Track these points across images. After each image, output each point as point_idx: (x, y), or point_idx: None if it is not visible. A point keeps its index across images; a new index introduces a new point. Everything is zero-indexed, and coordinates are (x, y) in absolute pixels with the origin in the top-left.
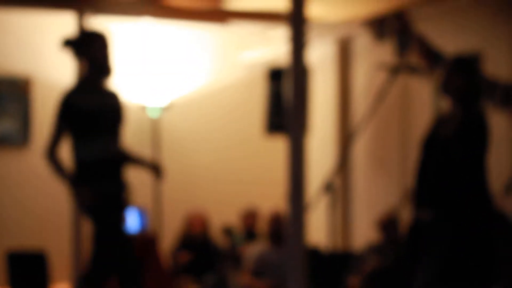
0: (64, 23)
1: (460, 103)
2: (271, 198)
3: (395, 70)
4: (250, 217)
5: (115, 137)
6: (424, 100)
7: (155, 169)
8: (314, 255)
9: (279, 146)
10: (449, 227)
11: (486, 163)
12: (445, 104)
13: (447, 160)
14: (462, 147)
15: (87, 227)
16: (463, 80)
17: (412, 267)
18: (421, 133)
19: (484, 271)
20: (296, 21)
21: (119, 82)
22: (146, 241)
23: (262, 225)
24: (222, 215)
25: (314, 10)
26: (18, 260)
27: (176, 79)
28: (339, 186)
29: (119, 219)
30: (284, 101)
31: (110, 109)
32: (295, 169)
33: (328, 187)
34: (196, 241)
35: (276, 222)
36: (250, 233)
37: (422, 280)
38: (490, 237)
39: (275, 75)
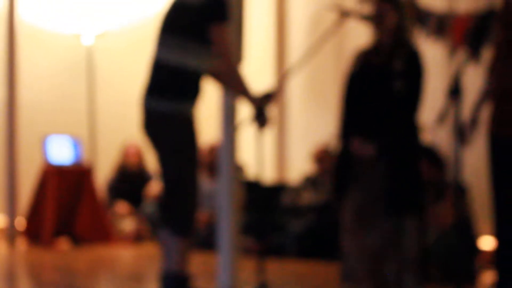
0: None
1: (392, 37)
2: (208, 131)
3: (346, 14)
4: None
5: None
6: (360, 33)
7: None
8: (252, 187)
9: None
10: (388, 157)
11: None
12: (373, 34)
13: (388, 91)
14: (411, 79)
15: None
16: (396, 15)
17: (339, 196)
18: None
19: (412, 199)
20: None
21: (54, 9)
22: (82, 171)
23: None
24: None
25: None
26: None
27: (112, 8)
28: (275, 117)
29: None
30: None
31: None
32: (227, 100)
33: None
34: (132, 172)
35: (212, 154)
36: None
37: (356, 209)
38: (418, 168)
39: None
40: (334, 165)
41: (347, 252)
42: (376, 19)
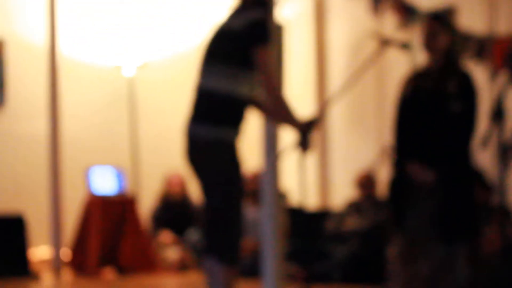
0: None
1: (443, 59)
2: (250, 159)
3: (386, 43)
4: None
5: None
6: (400, 57)
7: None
8: (295, 214)
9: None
10: (446, 183)
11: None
12: (423, 60)
13: (444, 114)
14: (465, 101)
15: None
16: (447, 36)
17: (398, 223)
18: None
19: (468, 226)
20: None
21: (94, 42)
22: (125, 202)
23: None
24: None
25: None
26: None
27: (153, 39)
28: (317, 144)
29: None
30: None
31: None
32: (269, 127)
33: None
34: (175, 201)
35: (255, 182)
36: None
37: (413, 233)
38: (473, 193)
39: None
40: (389, 192)
41: (396, 279)
42: (427, 41)
